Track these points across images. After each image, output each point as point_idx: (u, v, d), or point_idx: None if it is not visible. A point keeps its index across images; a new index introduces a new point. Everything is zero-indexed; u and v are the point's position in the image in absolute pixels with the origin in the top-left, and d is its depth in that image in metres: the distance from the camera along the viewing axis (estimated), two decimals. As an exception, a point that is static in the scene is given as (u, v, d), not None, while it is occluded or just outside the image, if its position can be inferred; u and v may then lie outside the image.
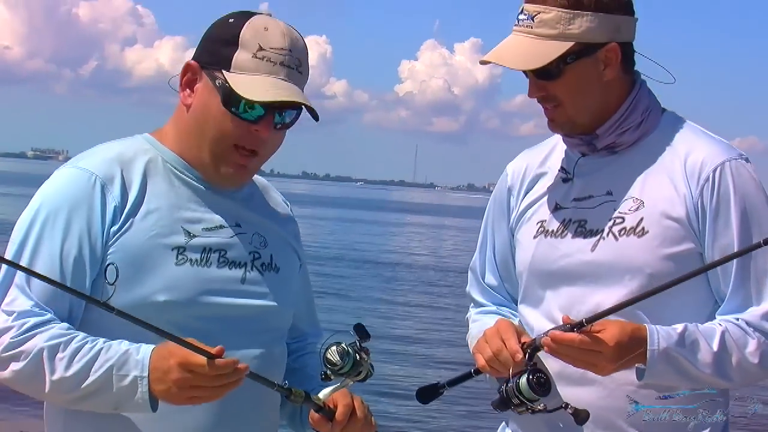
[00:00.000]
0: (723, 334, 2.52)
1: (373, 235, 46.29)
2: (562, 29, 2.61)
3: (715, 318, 2.61)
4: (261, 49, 2.43)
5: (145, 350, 2.29)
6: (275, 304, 2.58)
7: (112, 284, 2.35)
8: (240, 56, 2.43)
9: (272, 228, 2.65)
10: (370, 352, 2.42)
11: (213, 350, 2.21)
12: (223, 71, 2.44)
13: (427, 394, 2.75)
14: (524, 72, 2.70)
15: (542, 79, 2.65)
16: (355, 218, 63.40)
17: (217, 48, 2.47)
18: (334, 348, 2.38)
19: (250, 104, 2.42)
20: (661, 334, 2.48)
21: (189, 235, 2.47)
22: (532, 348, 2.53)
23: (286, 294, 2.64)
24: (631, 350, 2.46)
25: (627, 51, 2.69)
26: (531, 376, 2.48)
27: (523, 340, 2.56)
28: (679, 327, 2.51)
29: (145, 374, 2.26)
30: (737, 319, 2.56)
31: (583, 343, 2.44)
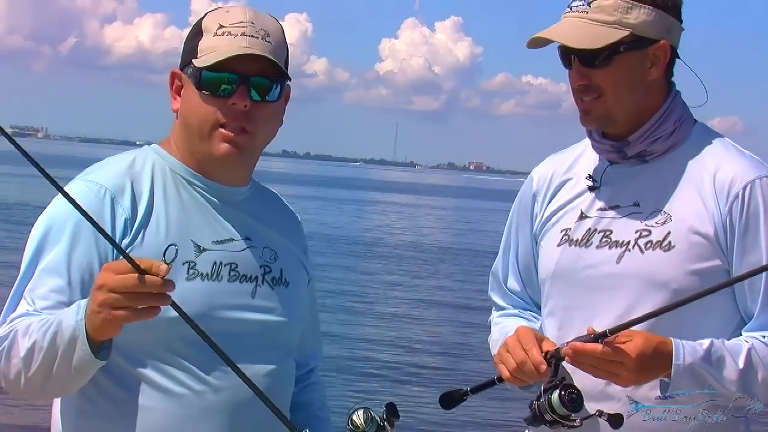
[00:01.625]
0: (749, 351, 2.52)
1: (351, 214, 46.28)
2: (619, 17, 2.60)
3: (740, 334, 2.61)
4: (221, 26, 2.45)
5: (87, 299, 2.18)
6: (285, 319, 2.56)
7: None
8: (204, 41, 2.46)
9: (282, 242, 2.64)
10: (395, 424, 2.46)
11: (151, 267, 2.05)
12: (192, 60, 2.46)
13: (450, 400, 2.76)
14: (565, 61, 2.69)
15: (588, 66, 2.64)
16: (335, 197, 63.34)
17: (186, 46, 2.51)
18: (361, 411, 2.44)
19: (223, 80, 2.41)
20: (686, 349, 2.48)
21: (199, 249, 2.45)
22: (556, 358, 2.52)
23: (296, 309, 2.62)
24: (654, 363, 2.46)
25: (672, 55, 2.69)
26: (563, 392, 2.46)
27: (545, 349, 2.55)
28: (705, 342, 2.51)
29: (81, 316, 2.15)
30: (764, 337, 2.56)
31: (605, 354, 2.43)
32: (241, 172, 2.57)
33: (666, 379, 2.49)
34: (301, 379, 2.74)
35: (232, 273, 2.48)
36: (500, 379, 2.67)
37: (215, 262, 2.46)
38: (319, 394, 2.80)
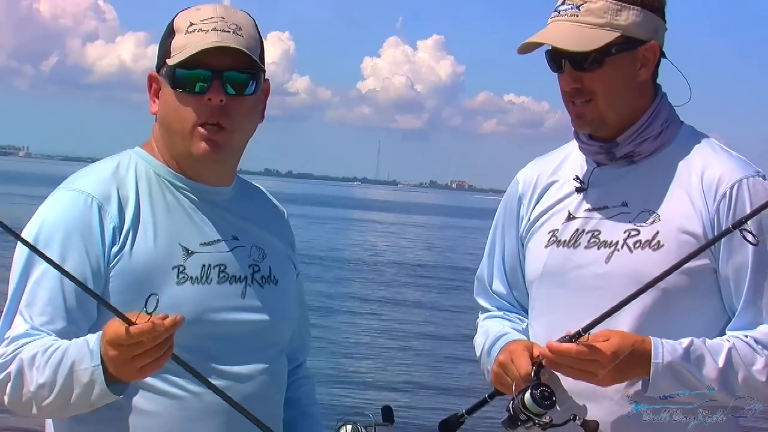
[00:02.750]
0: (730, 350, 2.52)
1: (335, 232, 46.23)
2: (610, 19, 2.60)
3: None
4: (192, 24, 2.44)
5: (98, 336, 2.21)
6: (276, 317, 2.56)
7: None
8: (176, 40, 2.45)
9: (269, 239, 2.63)
10: None
11: (132, 317, 2.09)
12: (166, 61, 2.45)
13: (450, 426, 2.77)
14: (555, 65, 2.67)
15: (580, 69, 2.62)
16: (319, 216, 63.28)
17: (160, 47, 2.51)
18: (350, 427, 2.44)
19: (198, 77, 2.41)
20: (666, 348, 2.49)
21: (187, 252, 2.45)
22: (537, 364, 2.54)
23: (286, 306, 2.63)
24: (632, 362, 2.46)
25: (660, 55, 2.70)
26: (535, 390, 2.48)
27: (535, 354, 2.58)
28: (685, 341, 2.51)
29: (98, 362, 2.18)
30: (746, 336, 2.56)
31: (579, 353, 2.44)
32: (222, 170, 2.56)
33: (647, 377, 2.49)
34: (290, 373, 2.73)
35: (222, 275, 2.48)
36: (492, 396, 2.70)
37: (204, 265, 2.46)
38: (307, 389, 2.80)
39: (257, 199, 2.73)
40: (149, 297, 2.16)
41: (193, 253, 2.46)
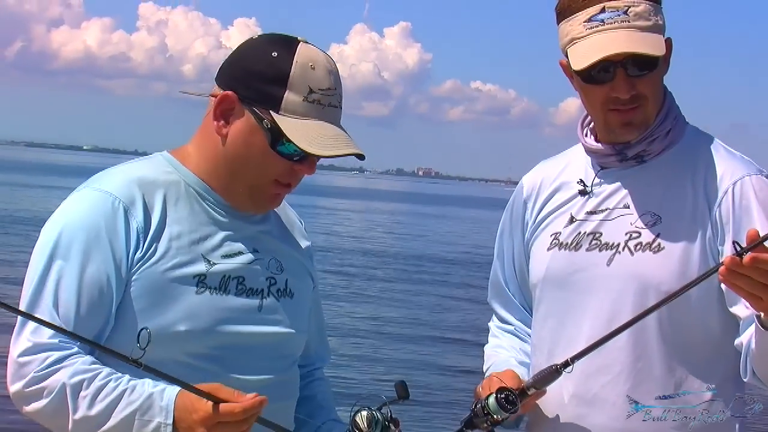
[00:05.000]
0: None
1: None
2: (654, 21, 2.56)
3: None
4: (311, 92, 2.41)
5: (169, 395, 2.26)
6: (290, 330, 2.58)
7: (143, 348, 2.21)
8: (290, 98, 2.41)
9: (288, 252, 2.65)
10: (400, 423, 2.43)
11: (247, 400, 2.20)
12: (272, 112, 2.41)
13: None
14: (602, 74, 2.55)
15: (635, 75, 2.55)
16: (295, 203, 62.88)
17: (262, 86, 2.43)
18: (364, 413, 2.39)
19: (297, 150, 2.41)
20: None
21: (209, 263, 2.46)
22: (521, 390, 2.52)
23: (301, 320, 2.64)
24: None
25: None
26: (499, 395, 2.48)
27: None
28: None
29: (170, 422, 2.23)
30: None
31: None
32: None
33: None
34: (306, 376, 2.75)
35: (240, 287, 2.50)
36: (468, 425, 2.62)
37: (224, 276, 2.47)
38: (322, 389, 2.81)
39: (280, 212, 2.73)
40: (140, 331, 2.19)
41: (214, 263, 2.46)
